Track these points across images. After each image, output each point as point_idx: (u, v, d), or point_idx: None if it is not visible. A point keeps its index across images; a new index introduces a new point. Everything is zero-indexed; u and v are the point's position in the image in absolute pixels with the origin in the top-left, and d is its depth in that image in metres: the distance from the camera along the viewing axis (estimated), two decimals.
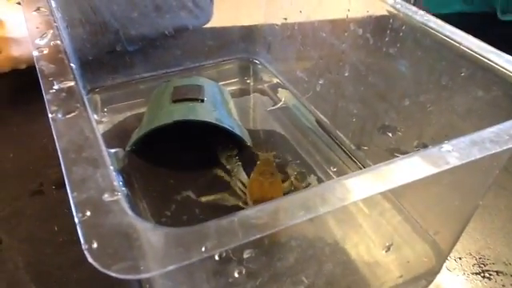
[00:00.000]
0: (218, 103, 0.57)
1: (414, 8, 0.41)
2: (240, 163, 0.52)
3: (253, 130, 0.59)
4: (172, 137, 0.54)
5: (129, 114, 0.62)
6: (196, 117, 0.52)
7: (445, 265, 0.44)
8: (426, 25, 0.39)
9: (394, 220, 0.38)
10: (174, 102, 0.55)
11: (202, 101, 0.55)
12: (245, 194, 0.49)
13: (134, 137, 0.53)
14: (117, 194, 0.22)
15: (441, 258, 0.40)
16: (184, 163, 0.55)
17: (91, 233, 0.20)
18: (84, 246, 0.20)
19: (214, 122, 0.52)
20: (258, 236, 0.21)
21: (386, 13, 0.44)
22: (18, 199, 0.50)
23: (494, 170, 0.32)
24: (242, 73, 0.70)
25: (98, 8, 0.64)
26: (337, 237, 0.36)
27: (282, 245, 0.31)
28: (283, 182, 0.50)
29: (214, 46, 0.68)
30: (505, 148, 0.26)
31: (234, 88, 0.67)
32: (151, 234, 0.21)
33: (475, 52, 0.36)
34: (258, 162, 0.51)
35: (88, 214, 0.21)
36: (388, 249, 0.36)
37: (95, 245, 0.20)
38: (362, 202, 0.35)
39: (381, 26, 0.45)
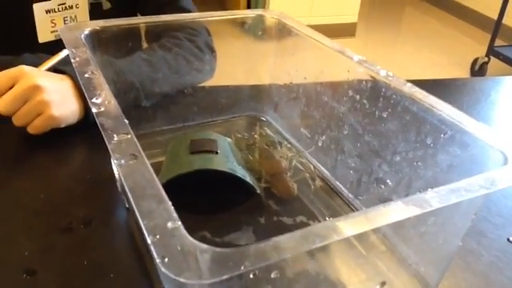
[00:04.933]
0: (230, 155, 0.65)
1: (403, 80, 0.50)
2: None
3: (258, 179, 0.66)
4: (189, 184, 0.61)
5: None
6: (213, 166, 0.59)
7: None
8: (413, 95, 0.48)
9: (388, 257, 0.45)
10: (192, 153, 0.62)
11: (217, 153, 0.62)
12: None
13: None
14: (177, 222, 0.29)
15: None
16: (200, 207, 0.61)
17: (162, 250, 0.27)
18: (158, 260, 0.26)
19: (228, 171, 0.59)
20: (288, 256, 0.27)
21: (379, 83, 0.52)
22: (49, 235, 0.55)
23: (469, 214, 0.39)
24: (250, 128, 0.77)
25: (124, 71, 0.73)
26: (338, 274, 0.42)
27: (297, 275, 0.37)
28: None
29: (226, 103, 0.76)
30: (476, 195, 0.33)
31: (242, 142, 0.74)
32: (207, 253, 0.27)
33: (453, 118, 0.44)
34: None
35: (158, 237, 0.28)
36: (383, 284, 0.42)
37: (166, 259, 0.26)
38: (358, 244, 0.42)
39: (375, 94, 0.53)
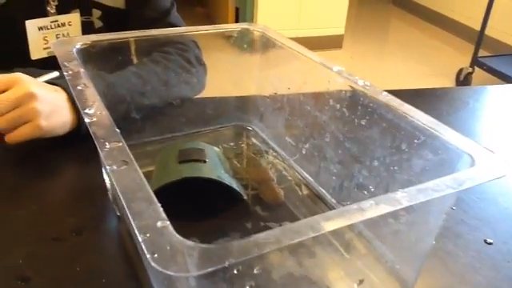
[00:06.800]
0: (217, 164, 0.67)
1: (379, 89, 0.53)
2: None
3: (246, 187, 0.68)
4: (178, 192, 0.63)
5: None
6: (201, 174, 0.62)
7: None
8: (388, 103, 0.51)
9: (366, 256, 0.47)
10: (180, 162, 0.65)
11: (205, 161, 0.65)
12: None
13: None
14: (166, 222, 0.31)
15: None
16: (189, 215, 0.63)
17: (152, 247, 0.29)
18: (148, 256, 0.28)
19: (216, 178, 0.61)
20: (268, 250, 0.30)
21: (357, 92, 0.55)
22: (42, 244, 0.57)
23: (440, 214, 0.42)
24: (237, 138, 0.80)
25: (114, 84, 0.75)
26: (318, 272, 0.44)
27: (278, 272, 0.40)
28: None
29: (213, 114, 0.79)
30: (442, 194, 0.36)
31: (229, 151, 0.77)
32: (193, 249, 0.30)
33: (425, 124, 0.47)
34: None
35: (148, 235, 0.30)
36: (360, 282, 0.45)
37: (156, 255, 0.29)
38: (336, 242, 0.44)
39: (354, 102, 0.56)
